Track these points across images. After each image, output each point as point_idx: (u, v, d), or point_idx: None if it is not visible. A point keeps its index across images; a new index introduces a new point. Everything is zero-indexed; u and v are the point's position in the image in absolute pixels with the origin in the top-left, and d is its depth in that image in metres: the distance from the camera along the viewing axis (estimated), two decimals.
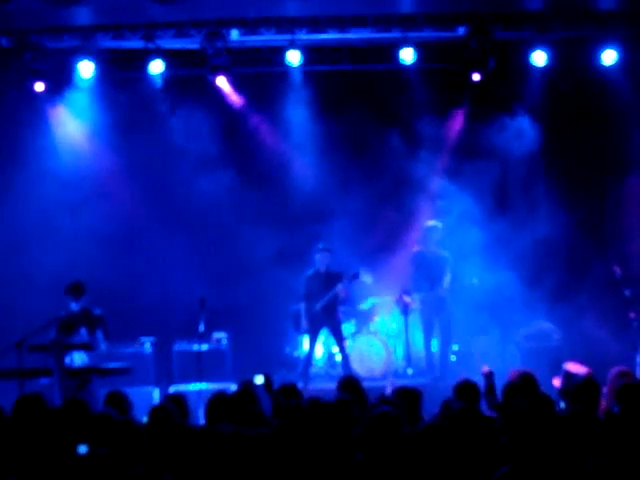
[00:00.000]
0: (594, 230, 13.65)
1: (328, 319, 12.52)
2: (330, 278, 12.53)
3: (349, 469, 5.25)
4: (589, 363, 8.33)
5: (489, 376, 7.49)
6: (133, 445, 5.57)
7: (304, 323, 12.64)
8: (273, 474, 5.17)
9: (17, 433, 5.89)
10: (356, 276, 12.60)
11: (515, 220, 13.32)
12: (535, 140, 13.56)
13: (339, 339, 12.58)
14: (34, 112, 13.18)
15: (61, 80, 13.02)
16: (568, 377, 7.67)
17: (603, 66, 12.83)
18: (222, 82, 13.27)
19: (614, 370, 7.45)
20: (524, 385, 6.91)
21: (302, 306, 12.67)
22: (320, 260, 12.56)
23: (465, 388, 6.85)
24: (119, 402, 6.91)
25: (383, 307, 13.46)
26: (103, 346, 10.47)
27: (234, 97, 13.71)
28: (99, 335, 10.45)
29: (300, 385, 10.78)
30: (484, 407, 7.04)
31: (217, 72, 12.86)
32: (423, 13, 12.52)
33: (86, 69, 12.70)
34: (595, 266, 13.12)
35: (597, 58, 12.80)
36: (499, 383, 7.33)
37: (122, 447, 5.51)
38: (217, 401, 6.66)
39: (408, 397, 6.66)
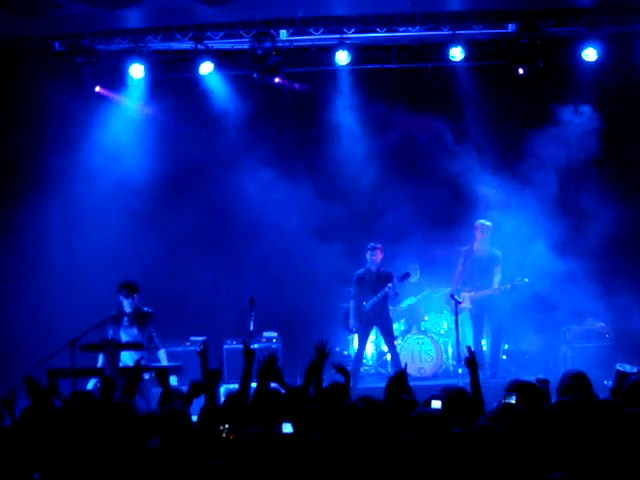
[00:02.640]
0: None
1: (378, 318, 12.51)
2: (380, 277, 12.51)
3: (398, 470, 5.25)
4: None
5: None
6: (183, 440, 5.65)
7: (354, 322, 12.64)
8: (326, 473, 5.19)
9: (66, 428, 5.96)
10: (407, 276, 12.56)
11: (568, 218, 13.18)
12: (588, 137, 13.43)
13: (389, 338, 12.55)
14: (87, 115, 13.35)
15: (113, 82, 13.19)
16: (620, 377, 7.56)
17: None
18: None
19: None
20: (578, 385, 6.82)
21: (352, 305, 12.67)
22: (371, 259, 12.54)
23: (522, 388, 6.74)
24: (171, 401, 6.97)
25: (432, 305, 13.42)
26: (160, 346, 10.56)
27: None
28: (154, 334, 10.54)
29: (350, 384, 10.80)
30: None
31: (266, 72, 12.91)
32: (472, 10, 12.45)
33: (137, 71, 12.85)
34: None
35: None
36: (551, 382, 7.25)
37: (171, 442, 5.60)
38: (270, 400, 6.68)
39: (459, 397, 6.62)
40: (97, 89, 13.14)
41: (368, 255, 12.53)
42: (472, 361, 7.09)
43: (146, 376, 9.59)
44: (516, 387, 6.71)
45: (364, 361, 13.11)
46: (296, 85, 13.69)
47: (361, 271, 12.67)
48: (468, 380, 9.30)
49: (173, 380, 10.22)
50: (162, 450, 5.59)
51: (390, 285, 12.37)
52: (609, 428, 5.40)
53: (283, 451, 5.22)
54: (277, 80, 13.17)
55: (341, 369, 7.54)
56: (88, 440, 5.85)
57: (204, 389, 6.89)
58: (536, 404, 6.33)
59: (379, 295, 12.40)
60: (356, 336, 12.88)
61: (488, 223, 12.80)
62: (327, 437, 5.56)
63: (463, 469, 5.13)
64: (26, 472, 5.36)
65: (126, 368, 9.59)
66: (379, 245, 12.55)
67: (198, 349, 7.71)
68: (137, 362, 7.86)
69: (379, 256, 12.51)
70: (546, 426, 5.75)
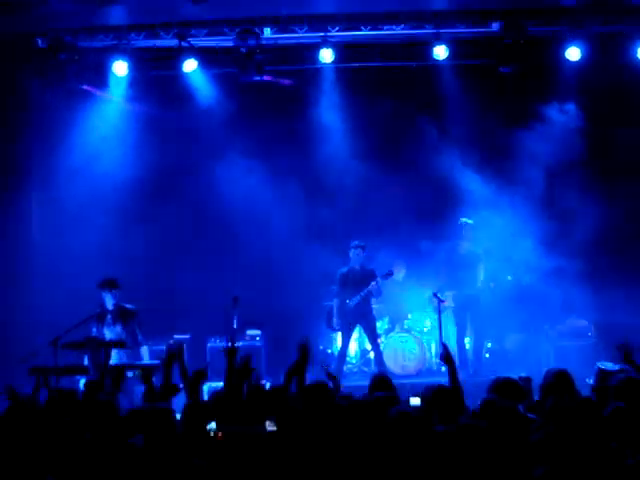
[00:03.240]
0: (634, 225, 13.49)
1: (362, 316, 12.52)
2: (364, 275, 12.52)
3: (379, 468, 5.26)
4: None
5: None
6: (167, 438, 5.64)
7: (337, 320, 12.65)
8: (308, 471, 5.19)
9: (48, 426, 5.94)
10: (390, 274, 12.59)
11: (552, 217, 13.23)
12: (570, 136, 13.49)
13: (372, 336, 12.57)
14: (70, 112, 13.28)
15: (96, 80, 13.14)
16: (602, 375, 7.60)
17: (638, 61, 12.72)
18: None
19: None
20: (560, 383, 6.84)
21: (335, 303, 12.68)
22: (354, 257, 12.55)
23: (502, 386, 6.77)
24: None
25: (415, 303, 13.45)
26: (143, 343, 10.54)
27: None
28: (137, 331, 10.52)
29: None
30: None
31: (250, 70, 12.89)
32: (456, 9, 12.49)
33: (120, 68, 12.81)
34: (632, 263, 13.01)
35: (632, 53, 12.68)
36: (534, 380, 7.27)
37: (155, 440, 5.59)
38: (254, 397, 6.68)
39: (441, 395, 6.63)
40: (83, 87, 13.06)
41: (352, 253, 12.55)
42: (447, 356, 7.12)
43: (129, 374, 9.57)
44: (499, 385, 6.74)
45: (347, 359, 13.12)
46: (285, 81, 13.66)
47: (345, 269, 12.68)
48: None
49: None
50: (146, 448, 5.58)
51: (373, 283, 12.39)
52: (590, 426, 5.43)
53: (267, 450, 5.22)
54: (265, 77, 13.16)
55: (331, 376, 7.55)
56: (70, 438, 5.83)
57: (186, 386, 6.88)
58: (518, 402, 6.36)
59: (362, 294, 12.42)
60: (339, 334, 12.89)
61: (470, 221, 12.83)
62: (310, 435, 5.56)
63: (445, 467, 5.14)
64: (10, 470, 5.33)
65: (111, 366, 9.57)
66: (362, 243, 12.57)
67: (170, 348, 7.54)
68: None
69: (362, 254, 12.52)
70: (529, 425, 5.78)
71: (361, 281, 12.49)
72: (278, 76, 13.59)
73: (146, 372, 7.23)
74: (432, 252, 13.18)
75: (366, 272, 12.55)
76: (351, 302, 12.47)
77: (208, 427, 5.98)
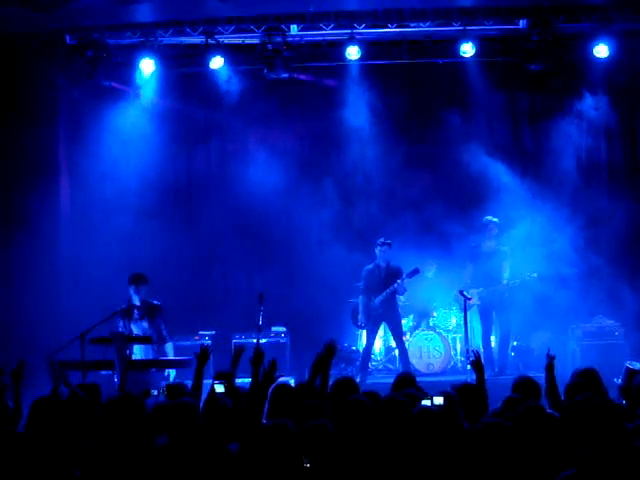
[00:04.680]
0: None
1: (387, 314, 12.50)
2: (390, 273, 12.49)
3: (402, 465, 5.26)
4: None
5: (550, 367, 7.24)
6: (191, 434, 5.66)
7: (362, 317, 12.63)
8: (331, 467, 5.20)
9: (69, 420, 5.96)
10: (416, 272, 12.53)
11: (580, 215, 13.16)
12: (599, 134, 13.44)
13: (398, 334, 12.54)
14: (98, 109, 13.35)
15: (124, 77, 13.20)
16: (630, 374, 7.55)
17: None
18: None
19: None
20: (588, 383, 6.80)
21: (361, 300, 12.67)
22: (380, 254, 12.52)
23: (524, 384, 6.76)
24: (180, 394, 6.99)
25: (441, 301, 13.41)
26: (168, 339, 10.57)
27: None
28: (162, 327, 10.55)
29: (358, 379, 10.80)
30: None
31: (277, 67, 12.91)
32: (483, 6, 12.44)
33: (147, 65, 12.86)
34: None
35: None
36: (559, 379, 7.24)
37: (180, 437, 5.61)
38: (279, 393, 6.68)
39: (468, 393, 6.62)
40: (111, 84, 13.12)
41: (377, 250, 12.52)
42: (478, 363, 7.08)
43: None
44: (520, 383, 6.73)
45: (372, 356, 13.12)
46: (326, 81, 13.63)
47: (370, 266, 12.66)
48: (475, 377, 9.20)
49: (172, 374, 10.25)
50: (171, 445, 5.61)
51: (399, 282, 12.36)
52: (618, 427, 5.39)
53: (301, 444, 5.23)
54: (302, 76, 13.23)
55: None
56: (91, 432, 5.85)
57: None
58: (539, 399, 6.36)
59: (387, 291, 12.40)
60: (364, 332, 12.88)
61: (495, 219, 12.76)
62: (337, 430, 5.57)
63: (468, 466, 5.13)
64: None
65: (136, 361, 9.62)
66: (389, 240, 12.53)
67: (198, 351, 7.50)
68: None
69: (388, 251, 12.48)
70: (556, 424, 5.75)
71: (387, 279, 12.45)
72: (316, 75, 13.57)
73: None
74: (460, 249, 13.14)
75: (392, 270, 12.51)
76: (376, 300, 12.46)
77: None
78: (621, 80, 13.27)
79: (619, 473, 4.74)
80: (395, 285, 12.35)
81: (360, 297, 12.70)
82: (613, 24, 12.41)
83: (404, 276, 12.41)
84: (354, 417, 5.60)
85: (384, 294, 12.40)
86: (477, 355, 7.22)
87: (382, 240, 12.53)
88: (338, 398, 6.37)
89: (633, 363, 7.71)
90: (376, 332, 12.74)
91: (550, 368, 7.15)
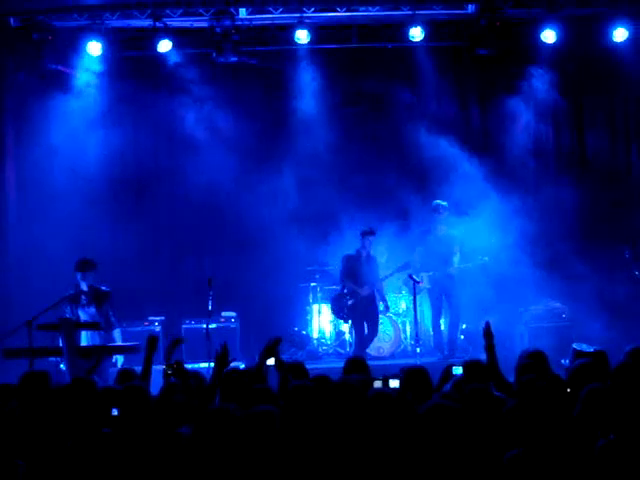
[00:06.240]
0: (609, 209, 13.54)
1: (369, 302, 12.57)
2: (373, 262, 12.52)
3: (356, 449, 5.27)
4: (597, 343, 8.33)
5: (490, 347, 7.23)
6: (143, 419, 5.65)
7: (345, 307, 12.61)
8: (279, 452, 5.20)
9: (21, 408, 5.91)
10: (406, 266, 12.60)
11: (527, 198, 13.29)
12: (544, 119, 13.57)
13: (375, 322, 12.60)
14: (44, 92, 13.13)
15: (70, 60, 13.00)
16: (577, 356, 7.64)
17: (614, 44, 12.77)
18: None
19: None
20: (535, 364, 6.87)
21: (348, 285, 12.61)
22: (365, 243, 12.48)
23: (472, 367, 6.81)
24: (130, 380, 6.94)
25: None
26: (116, 325, 10.49)
27: None
28: (110, 313, 10.46)
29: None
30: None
31: (225, 51, 12.81)
32: None
33: (94, 49, 12.69)
34: (607, 246, 13.07)
35: (608, 36, 12.73)
36: (507, 361, 7.30)
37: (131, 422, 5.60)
38: (229, 378, 6.68)
39: (416, 376, 6.66)
40: (58, 67, 12.92)
41: (363, 238, 12.44)
42: (488, 331, 7.15)
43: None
44: (467, 366, 6.78)
45: (322, 341, 13.16)
46: (276, 65, 13.55)
47: (352, 253, 12.60)
48: (425, 360, 9.36)
49: (120, 360, 10.19)
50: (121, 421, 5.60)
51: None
52: (564, 406, 5.46)
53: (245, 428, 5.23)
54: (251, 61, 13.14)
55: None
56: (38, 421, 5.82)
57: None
58: (487, 382, 6.40)
59: (388, 275, 12.66)
60: (320, 316, 12.93)
61: (444, 203, 12.80)
62: (285, 414, 5.57)
63: (418, 447, 5.15)
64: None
65: (84, 347, 9.54)
66: (374, 229, 12.49)
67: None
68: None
69: (373, 240, 12.46)
70: (503, 405, 5.80)
71: (370, 267, 12.48)
72: (264, 59, 13.47)
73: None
74: (409, 234, 13.18)
75: (375, 259, 12.59)
76: (378, 281, 12.59)
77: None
78: (568, 65, 13.41)
79: (563, 453, 4.80)
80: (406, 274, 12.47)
81: (347, 282, 12.60)
82: (561, 10, 12.51)
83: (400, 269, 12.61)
84: (299, 402, 5.61)
85: (385, 277, 12.64)
86: (487, 323, 7.27)
87: (368, 229, 12.45)
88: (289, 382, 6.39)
89: (580, 345, 7.79)
90: (363, 321, 12.67)
91: (490, 348, 7.14)
